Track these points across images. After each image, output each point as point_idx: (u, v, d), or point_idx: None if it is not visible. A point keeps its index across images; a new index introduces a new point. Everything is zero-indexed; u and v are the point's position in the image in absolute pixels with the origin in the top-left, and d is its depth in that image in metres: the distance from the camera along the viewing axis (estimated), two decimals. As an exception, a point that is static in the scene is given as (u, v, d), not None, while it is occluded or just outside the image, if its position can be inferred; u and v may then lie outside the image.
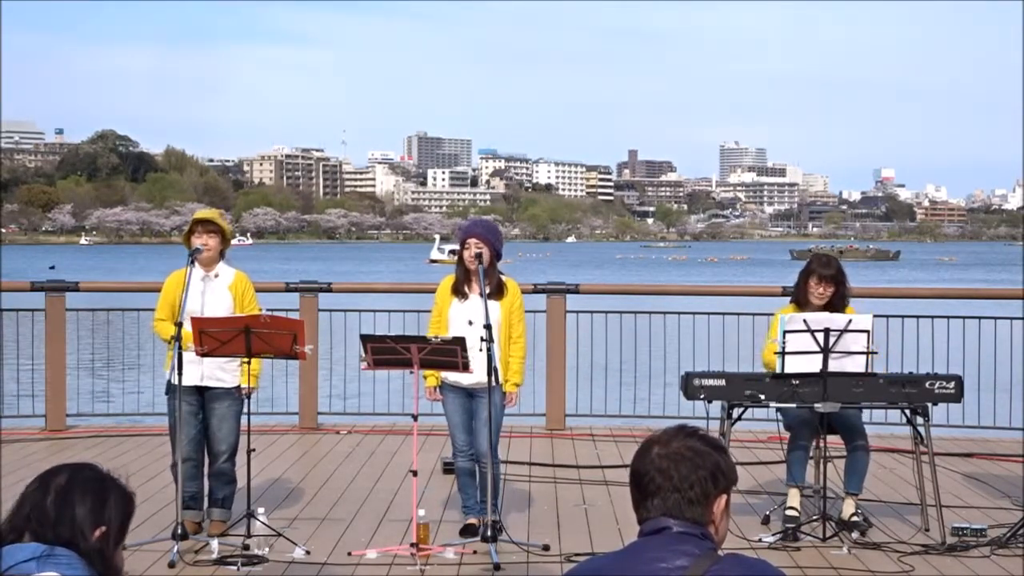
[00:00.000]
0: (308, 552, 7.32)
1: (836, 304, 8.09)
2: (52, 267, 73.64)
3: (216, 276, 7.89)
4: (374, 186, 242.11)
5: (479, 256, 7.67)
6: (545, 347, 11.72)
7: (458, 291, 7.84)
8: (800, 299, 8.18)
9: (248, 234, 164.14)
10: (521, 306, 7.96)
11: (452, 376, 7.64)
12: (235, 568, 7.03)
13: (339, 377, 13.63)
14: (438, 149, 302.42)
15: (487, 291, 7.69)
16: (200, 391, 7.77)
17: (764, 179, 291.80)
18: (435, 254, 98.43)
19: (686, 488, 3.07)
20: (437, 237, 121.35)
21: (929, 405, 7.79)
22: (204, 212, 8.13)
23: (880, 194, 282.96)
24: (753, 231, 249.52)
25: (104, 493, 3.35)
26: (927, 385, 7.73)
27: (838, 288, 8.09)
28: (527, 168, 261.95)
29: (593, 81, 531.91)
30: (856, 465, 8.05)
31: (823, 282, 8.07)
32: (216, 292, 7.85)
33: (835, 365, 7.60)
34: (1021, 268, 60.81)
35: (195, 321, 7.38)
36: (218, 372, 7.77)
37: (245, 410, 7.78)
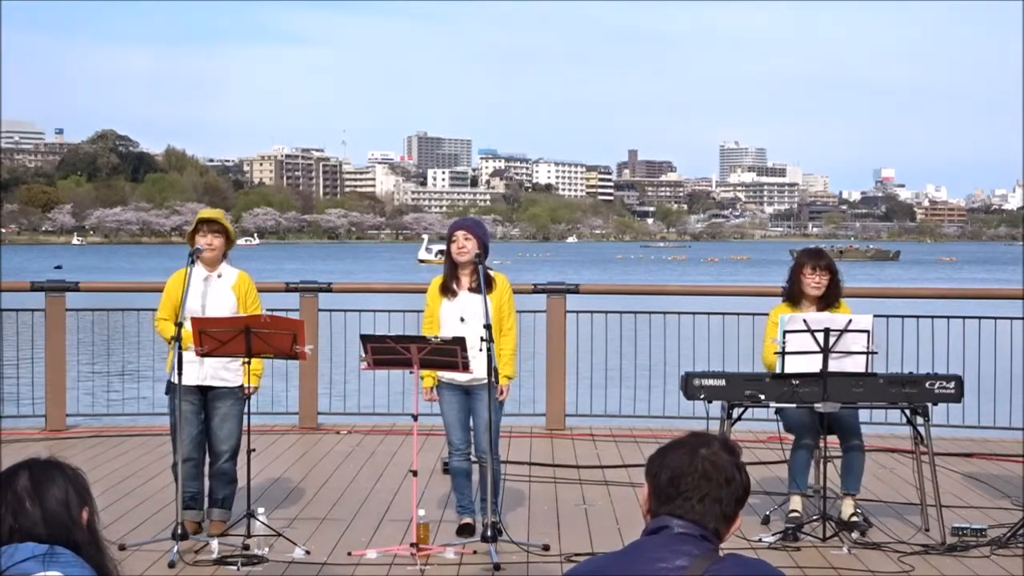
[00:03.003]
0: (308, 552, 7.32)
1: (831, 296, 8.07)
2: (58, 267, 73.52)
3: (219, 276, 7.89)
4: (374, 186, 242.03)
5: (479, 256, 7.65)
6: (545, 347, 11.71)
7: (447, 289, 7.81)
8: (795, 294, 8.14)
9: (255, 235, 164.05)
10: (511, 299, 7.92)
11: (449, 373, 7.61)
12: (235, 568, 7.03)
13: (339, 377, 13.61)
14: (438, 149, 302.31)
15: (478, 286, 7.66)
16: (202, 390, 7.78)
17: (764, 179, 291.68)
18: (423, 254, 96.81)
19: (722, 502, 3.08)
20: (425, 238, 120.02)
21: (929, 405, 7.79)
22: (209, 212, 8.13)
23: (880, 194, 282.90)
24: (753, 231, 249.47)
25: (68, 476, 3.35)
26: (927, 385, 7.72)
27: (832, 277, 8.09)
28: (527, 168, 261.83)
29: (593, 81, 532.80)
30: (852, 465, 8.04)
31: (817, 270, 8.06)
32: (219, 292, 7.85)
33: (835, 365, 7.59)
34: (1021, 268, 60.81)
35: (195, 321, 7.38)
36: (221, 372, 7.76)
37: (245, 410, 7.79)
